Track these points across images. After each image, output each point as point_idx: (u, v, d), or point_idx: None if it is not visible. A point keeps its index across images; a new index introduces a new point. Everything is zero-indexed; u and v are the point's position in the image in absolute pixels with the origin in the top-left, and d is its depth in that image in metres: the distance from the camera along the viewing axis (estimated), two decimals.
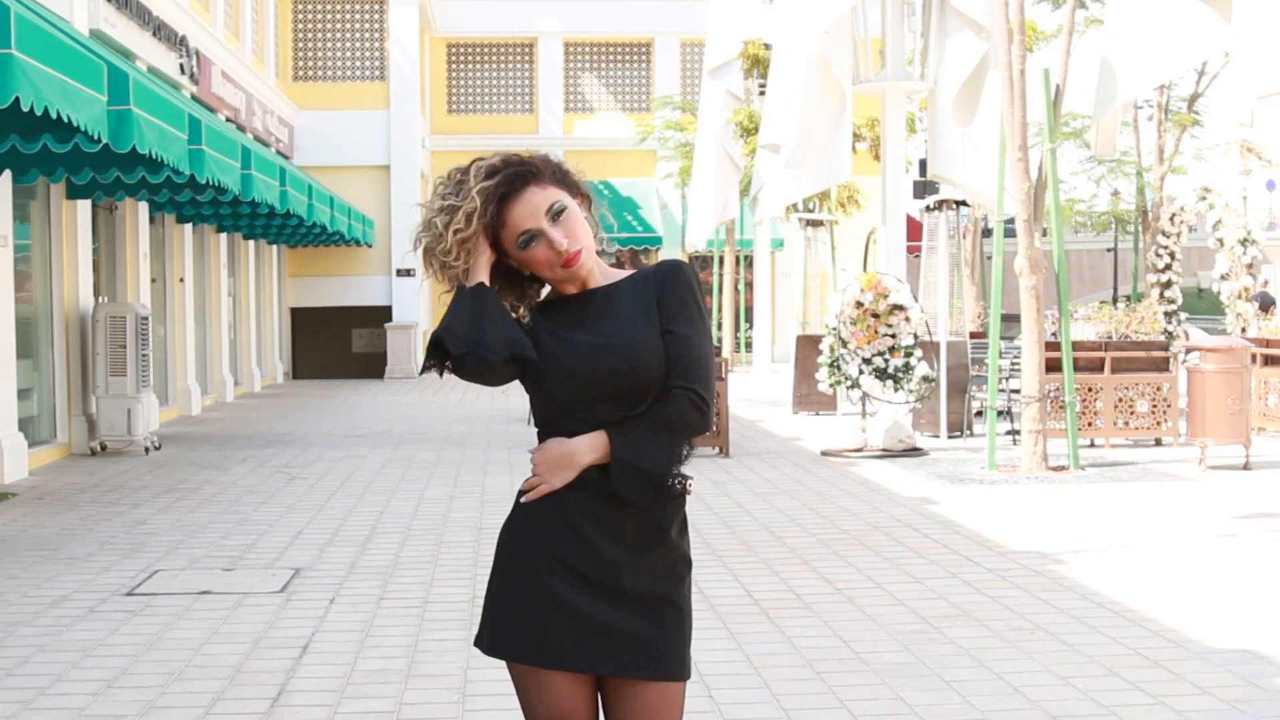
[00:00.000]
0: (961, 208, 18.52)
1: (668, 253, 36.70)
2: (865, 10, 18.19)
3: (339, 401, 25.03)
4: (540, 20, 36.67)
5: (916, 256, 37.56)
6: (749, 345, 33.82)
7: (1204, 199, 19.95)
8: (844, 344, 15.81)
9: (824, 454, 16.00)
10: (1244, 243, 19.65)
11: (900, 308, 15.73)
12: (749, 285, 32.84)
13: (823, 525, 11.01)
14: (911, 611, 8.05)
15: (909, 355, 15.68)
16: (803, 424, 19.69)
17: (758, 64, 24.97)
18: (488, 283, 3.30)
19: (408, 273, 31.87)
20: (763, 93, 26.18)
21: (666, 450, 3.27)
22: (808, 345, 21.30)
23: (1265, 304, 26.11)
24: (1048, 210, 14.61)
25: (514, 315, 3.34)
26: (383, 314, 31.97)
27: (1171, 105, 24.92)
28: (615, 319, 3.32)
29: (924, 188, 38.21)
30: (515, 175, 3.30)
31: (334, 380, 30.62)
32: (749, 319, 32.32)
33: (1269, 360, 17.07)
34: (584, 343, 3.29)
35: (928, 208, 18.96)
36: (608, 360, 3.26)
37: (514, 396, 25.34)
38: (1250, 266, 19.61)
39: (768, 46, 24.07)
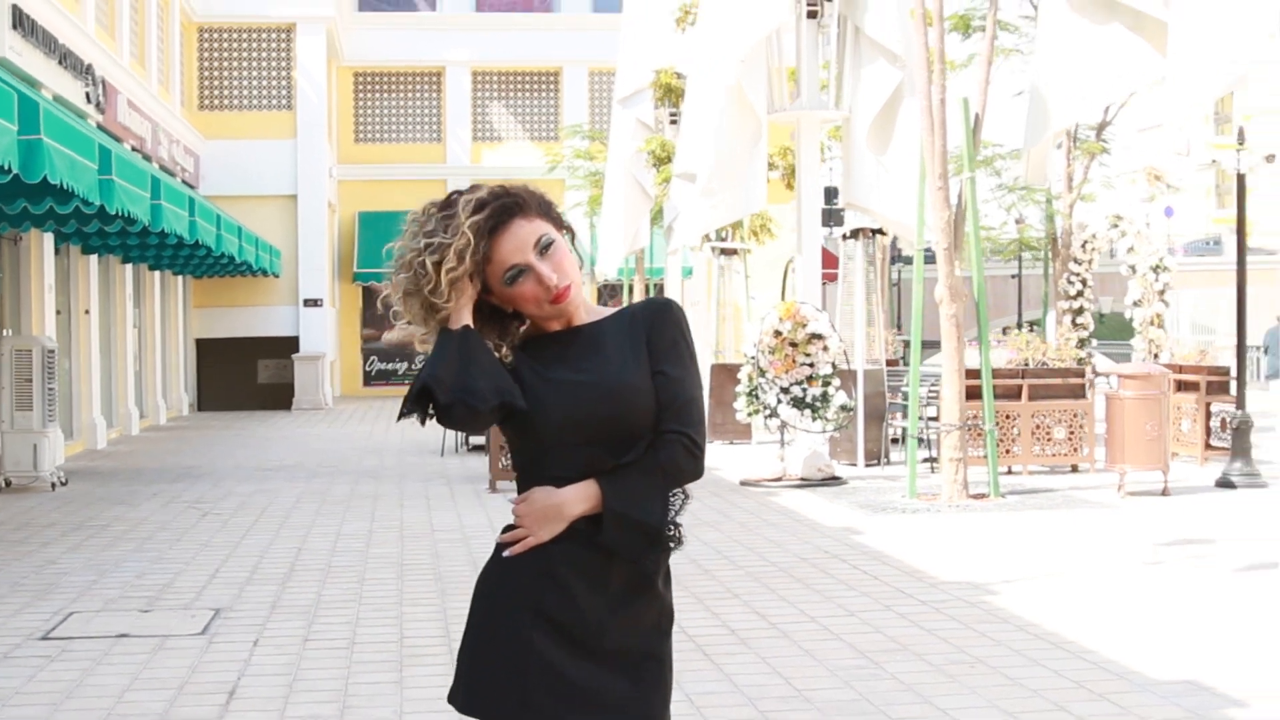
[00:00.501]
0: (877, 235, 18.53)
1: None
2: (780, 39, 18.19)
3: (247, 434, 24.64)
4: (448, 50, 36.45)
5: (827, 284, 37.80)
6: None
7: (1116, 226, 20.16)
8: (762, 373, 15.75)
9: (743, 484, 15.92)
10: (1156, 269, 19.87)
11: (818, 337, 15.70)
12: None
13: (750, 558, 10.91)
14: (849, 646, 7.96)
15: (827, 384, 15.64)
16: (719, 453, 19.60)
17: (670, 93, 24.89)
18: (471, 324, 3.13)
19: (315, 303, 31.51)
20: (674, 121, 26.16)
21: (661, 500, 3.13)
22: (722, 374, 21.26)
23: None
24: (967, 238, 14.64)
25: (497, 356, 3.18)
26: (289, 344, 31.55)
27: (1080, 133, 25.17)
28: (602, 358, 3.17)
29: (829, 216, 38.46)
30: (503, 208, 3.12)
31: (240, 412, 30.14)
32: None
33: (1181, 386, 17.22)
34: (571, 383, 3.14)
35: (844, 236, 18.98)
36: (597, 402, 3.11)
37: (428, 427, 25.04)
38: (1162, 293, 19.85)
39: (680, 76, 24.04)
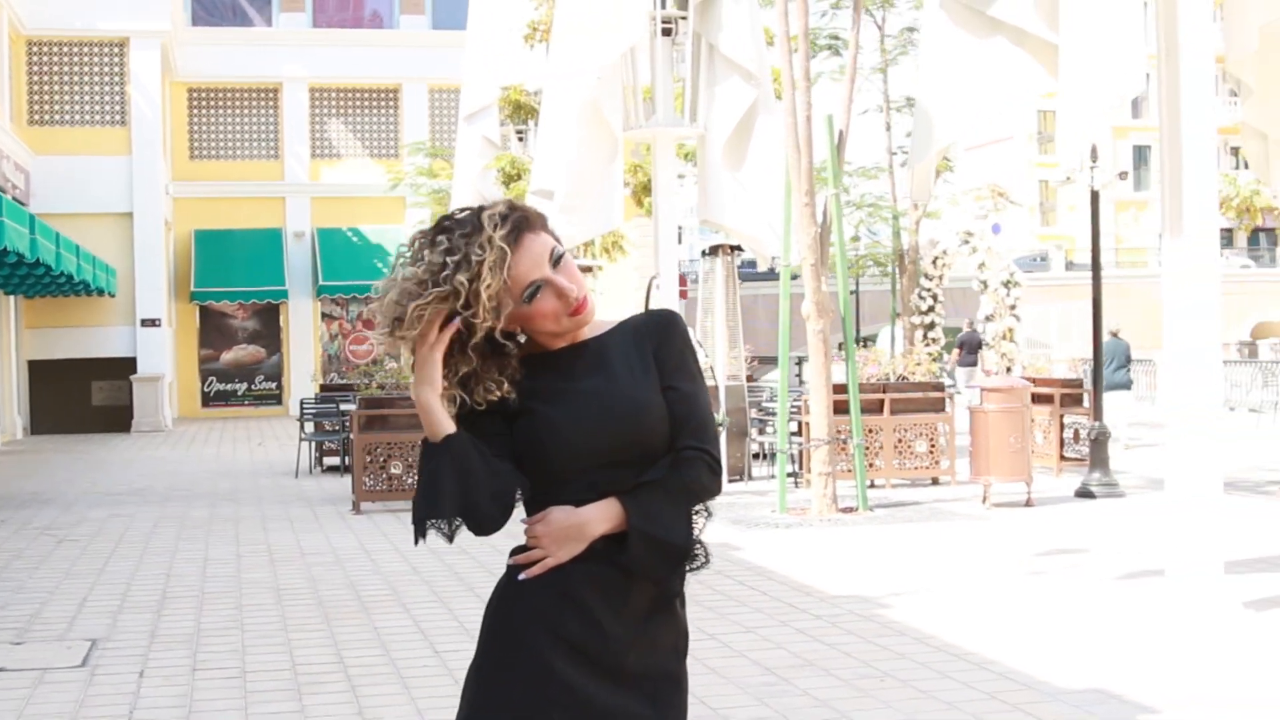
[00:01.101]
0: (736, 252, 18.60)
1: None
2: (635, 57, 18.18)
3: (87, 457, 23.92)
4: (285, 66, 35.87)
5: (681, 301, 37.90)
6: None
7: (967, 242, 20.48)
8: None
9: None
10: (1007, 285, 20.22)
11: None
12: None
13: None
14: (755, 663, 7.90)
15: None
16: None
17: (519, 109, 24.80)
18: (454, 428, 2.96)
19: (153, 322, 30.77)
20: (520, 138, 26.08)
21: (686, 520, 3.02)
22: None
23: (973, 346, 26.55)
24: (833, 255, 14.74)
25: (499, 394, 3.01)
26: (126, 365, 30.74)
27: None
28: (611, 375, 3.05)
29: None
30: (517, 222, 2.97)
31: (76, 435, 29.28)
32: None
33: (1034, 398, 17.50)
34: (584, 406, 3.01)
35: (703, 252, 19.01)
36: (612, 421, 2.99)
37: (274, 448, 24.62)
38: (1013, 308, 20.20)
39: (530, 93, 23.95)
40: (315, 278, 35.40)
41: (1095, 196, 15.79)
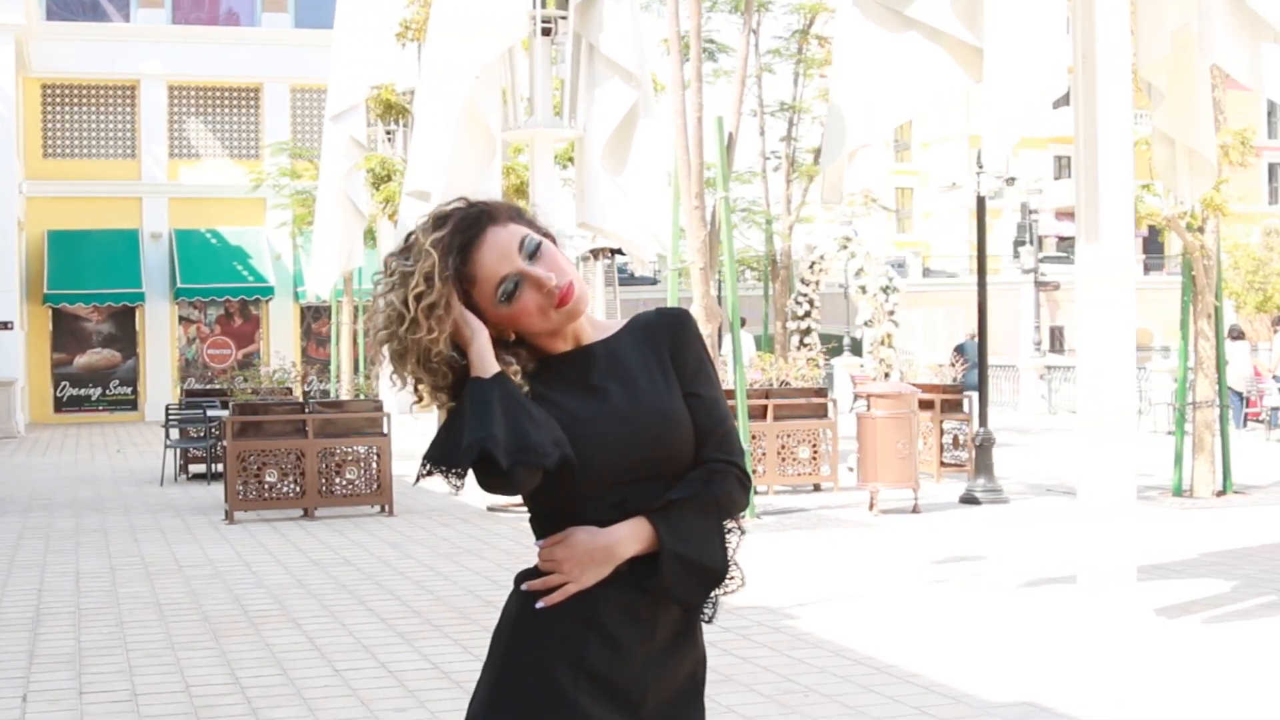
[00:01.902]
0: (616, 256, 18.36)
1: (281, 303, 35.50)
2: (514, 56, 17.88)
3: None
4: (143, 63, 34.93)
5: None
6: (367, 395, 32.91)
7: (845, 247, 20.45)
8: None
9: (490, 509, 15.48)
10: (886, 290, 20.20)
11: None
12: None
13: None
14: None
15: None
16: None
17: (390, 109, 24.33)
18: (500, 368, 2.69)
19: (5, 325, 29.77)
20: (389, 138, 25.63)
21: (720, 539, 2.76)
22: None
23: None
24: (721, 259, 14.56)
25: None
26: None
27: (798, 157, 25.60)
28: (631, 382, 2.78)
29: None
30: (467, 219, 2.72)
31: None
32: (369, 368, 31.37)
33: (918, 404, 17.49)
34: (605, 416, 2.74)
35: (582, 257, 18.74)
36: (640, 432, 2.72)
37: (134, 455, 23.88)
38: (891, 314, 20.18)
39: (402, 93, 23.53)
40: (173, 280, 34.54)
41: (981, 203, 15.80)
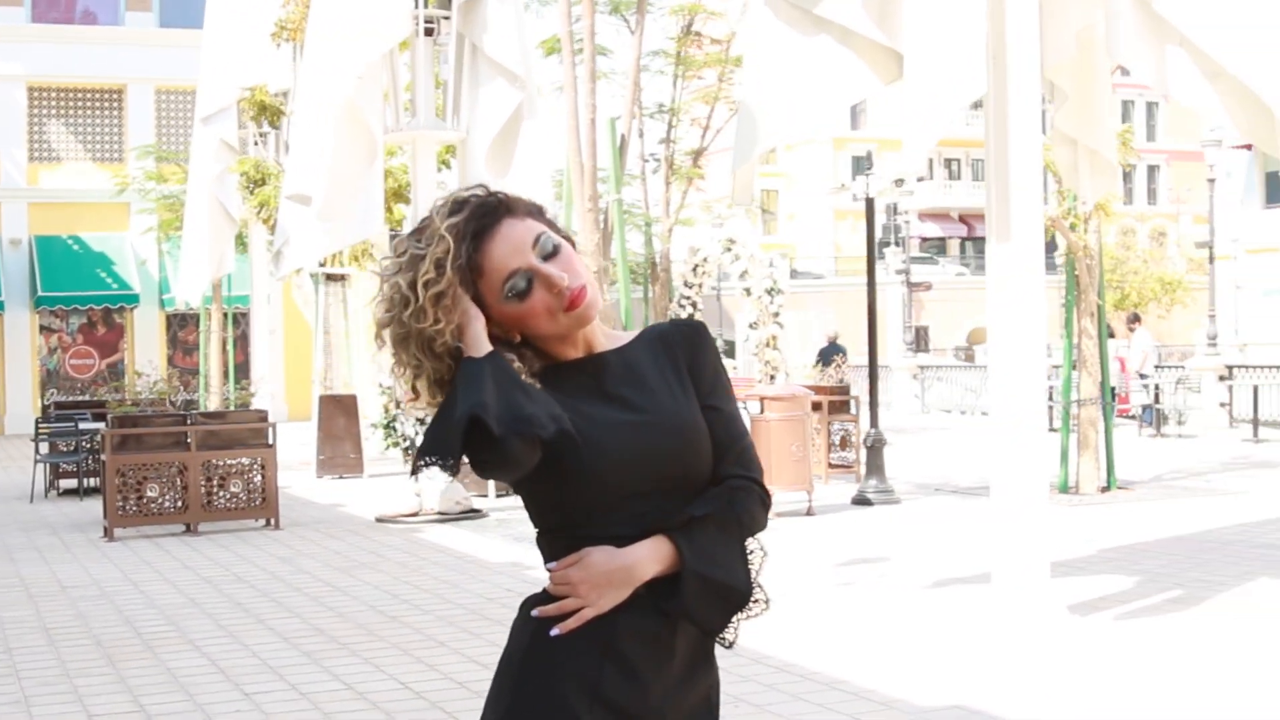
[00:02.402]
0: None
1: (146, 311, 34.69)
2: (395, 57, 17.61)
3: None
4: (1, 63, 33.99)
5: None
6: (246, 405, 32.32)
7: (729, 250, 20.38)
8: (399, 404, 15.10)
9: (379, 520, 15.20)
10: (770, 292, 20.15)
11: None
12: (238, 342, 31.32)
13: (433, 602, 10.28)
14: None
15: None
16: (333, 488, 18.74)
17: (265, 110, 23.84)
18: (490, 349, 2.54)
19: None
20: (260, 142, 25.14)
21: (743, 560, 2.62)
22: (331, 406, 20.43)
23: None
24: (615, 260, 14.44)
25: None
26: None
27: (677, 160, 25.51)
28: (648, 390, 2.64)
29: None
30: (484, 207, 2.58)
31: None
32: (240, 377, 30.76)
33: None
34: (621, 422, 2.58)
35: None
36: (660, 442, 2.57)
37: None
38: (776, 315, 20.13)
39: (277, 95, 23.08)
40: (33, 288, 33.62)
41: (870, 204, 15.81)
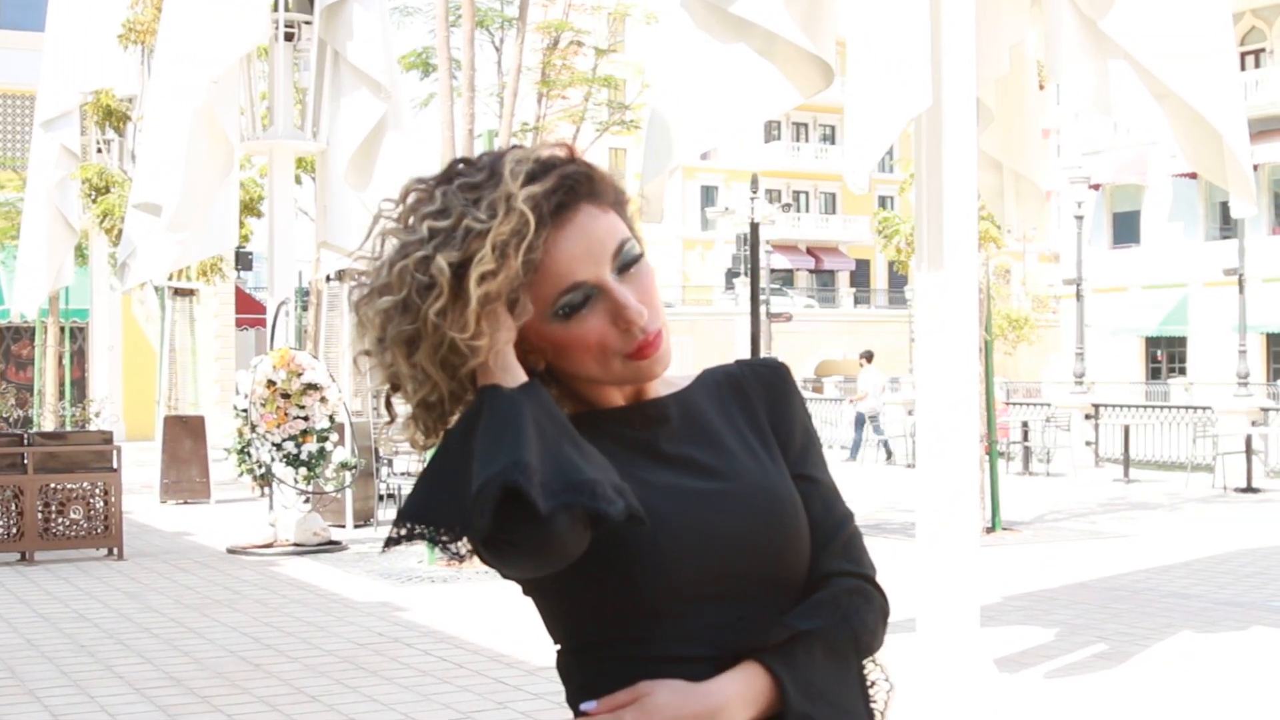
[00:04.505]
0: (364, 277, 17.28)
1: None
2: (252, 63, 16.71)
3: None
4: None
5: (244, 330, 35.92)
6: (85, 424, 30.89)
7: None
8: (253, 428, 14.16)
9: (231, 551, 14.23)
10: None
11: (315, 387, 14.27)
12: (75, 358, 29.91)
13: (297, 646, 9.41)
14: None
15: (324, 439, 14.24)
16: (179, 515, 17.69)
17: (110, 116, 22.68)
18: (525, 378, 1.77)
19: None
20: (103, 148, 24.00)
21: (863, 693, 1.90)
22: (177, 427, 19.37)
23: None
24: None
25: None
26: None
27: None
28: (719, 449, 1.90)
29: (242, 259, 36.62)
30: (570, 179, 1.78)
31: None
32: (76, 394, 29.35)
33: None
34: (689, 490, 1.84)
35: (328, 278, 17.63)
36: (741, 519, 1.84)
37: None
38: None
39: (124, 99, 21.99)
40: None
41: (755, 228, 15.26)
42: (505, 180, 1.73)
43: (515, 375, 1.75)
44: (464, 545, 1.69)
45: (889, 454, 26.65)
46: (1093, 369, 42.96)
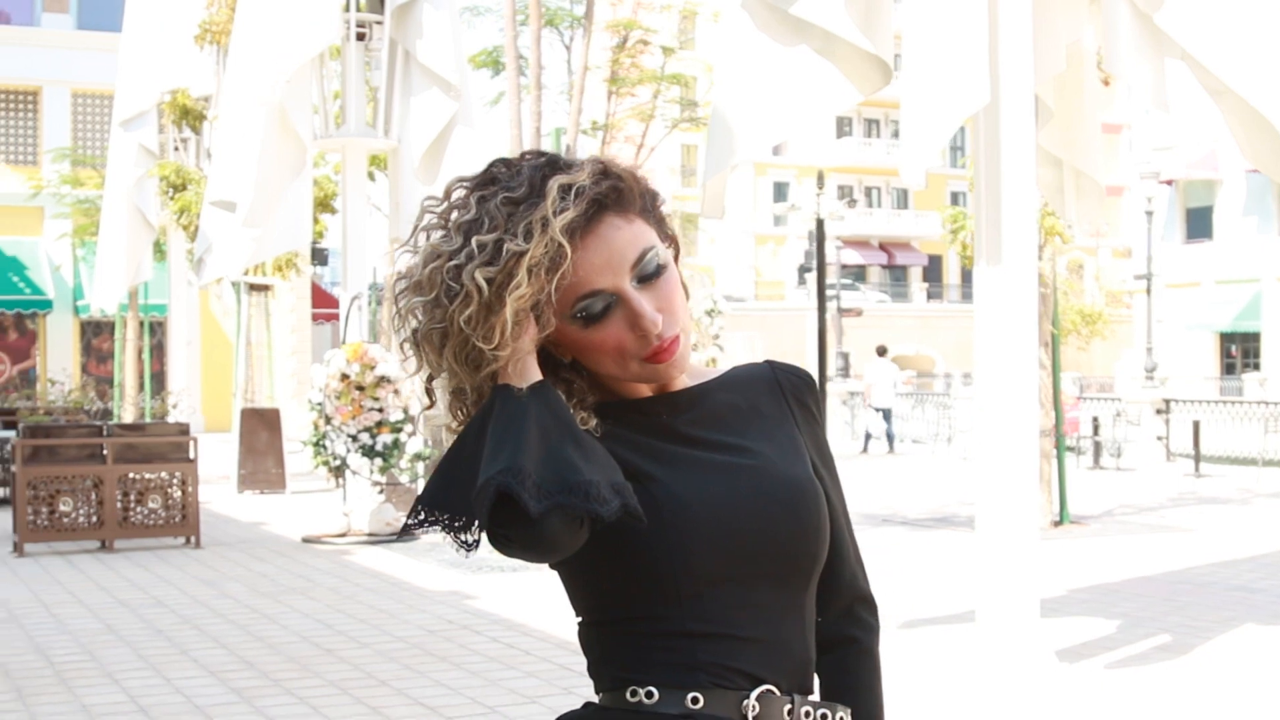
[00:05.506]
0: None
1: (60, 318, 33.65)
2: (325, 63, 16.99)
3: None
4: None
5: (319, 324, 36.30)
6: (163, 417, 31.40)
7: None
8: (328, 420, 14.43)
9: (306, 540, 14.51)
10: (710, 314, 19.70)
11: (388, 380, 14.53)
12: (154, 351, 30.40)
13: (373, 634, 9.62)
14: None
15: (398, 430, 14.49)
16: (255, 505, 18.02)
17: (186, 115, 23.06)
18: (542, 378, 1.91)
19: None
20: (180, 147, 24.39)
21: None
22: (253, 419, 19.72)
23: None
24: None
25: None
26: None
27: None
28: (742, 437, 2.02)
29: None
30: (597, 199, 1.92)
31: None
32: (155, 387, 29.83)
33: None
34: (713, 463, 1.97)
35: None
36: (762, 503, 1.96)
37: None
38: (716, 338, 19.69)
39: (200, 98, 22.35)
40: None
41: (820, 224, 15.36)
42: (544, 205, 1.86)
43: (530, 377, 1.88)
44: (472, 534, 1.84)
45: (891, 449, 27.88)
46: (1166, 364, 42.67)
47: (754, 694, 1.93)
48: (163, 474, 14.05)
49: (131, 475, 13.91)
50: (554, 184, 1.89)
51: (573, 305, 1.92)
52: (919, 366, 57.49)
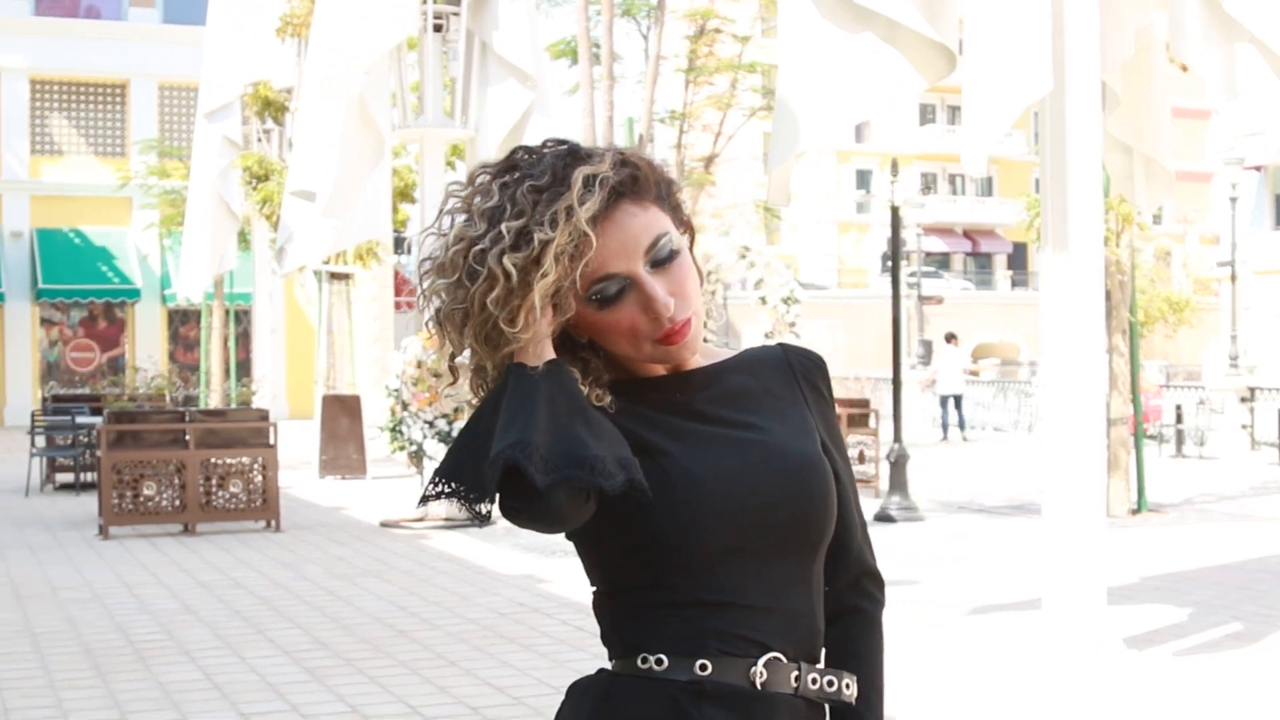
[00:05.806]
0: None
1: (147, 306, 34.19)
2: (403, 54, 17.17)
3: None
4: (4, 55, 33.52)
5: (402, 311, 36.60)
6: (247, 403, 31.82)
7: (744, 257, 19.89)
8: (405, 406, 14.61)
9: (384, 525, 14.70)
10: (787, 301, 19.70)
11: (464, 366, 14.66)
12: (240, 339, 30.81)
13: (445, 616, 9.76)
14: None
15: None
16: (336, 490, 18.26)
17: (269, 106, 23.38)
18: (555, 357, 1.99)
19: None
20: (263, 138, 24.71)
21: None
22: (335, 406, 19.96)
23: None
24: None
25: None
26: None
27: (687, 165, 25.07)
28: (754, 413, 2.10)
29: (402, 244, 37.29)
30: (616, 186, 2.00)
31: None
32: (241, 374, 30.22)
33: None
34: (723, 437, 2.05)
35: None
36: (772, 477, 2.04)
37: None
38: (793, 325, 19.69)
39: (281, 90, 22.63)
40: (34, 281, 33.16)
41: (895, 212, 15.34)
42: (569, 194, 1.94)
43: (545, 357, 1.96)
44: (485, 506, 1.92)
45: (964, 435, 27.91)
46: (1254, 352, 42.07)
47: (761, 661, 2.01)
48: (243, 459, 14.29)
49: (213, 460, 14.16)
50: (579, 174, 1.97)
51: (588, 288, 2.00)
52: (1003, 354, 57.07)
